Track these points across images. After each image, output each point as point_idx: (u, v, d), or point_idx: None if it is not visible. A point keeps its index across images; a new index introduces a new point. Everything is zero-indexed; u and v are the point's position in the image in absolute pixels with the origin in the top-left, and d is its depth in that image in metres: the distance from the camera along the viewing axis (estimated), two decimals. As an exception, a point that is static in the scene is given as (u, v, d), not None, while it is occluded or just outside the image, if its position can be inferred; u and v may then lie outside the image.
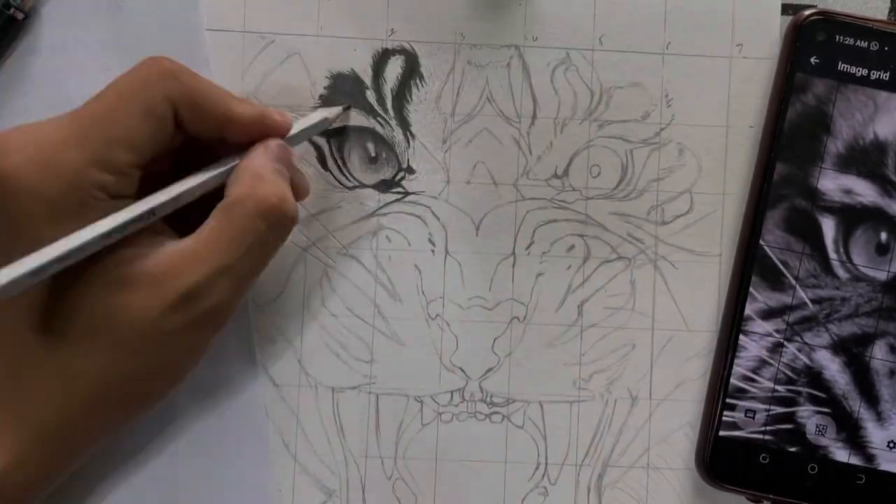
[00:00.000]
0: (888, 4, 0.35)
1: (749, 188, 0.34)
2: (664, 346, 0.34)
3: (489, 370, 0.34)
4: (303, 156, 0.34)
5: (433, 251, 0.34)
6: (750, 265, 0.33)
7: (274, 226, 0.29)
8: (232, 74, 0.34)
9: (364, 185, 0.34)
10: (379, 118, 0.34)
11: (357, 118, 0.34)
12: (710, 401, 0.33)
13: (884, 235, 0.33)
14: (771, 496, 0.33)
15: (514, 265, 0.34)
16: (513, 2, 0.35)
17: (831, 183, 0.33)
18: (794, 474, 0.33)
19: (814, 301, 0.33)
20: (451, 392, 0.34)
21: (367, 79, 0.34)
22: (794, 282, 0.33)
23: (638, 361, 0.34)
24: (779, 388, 0.33)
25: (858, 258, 0.33)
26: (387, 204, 0.34)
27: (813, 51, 0.33)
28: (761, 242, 0.33)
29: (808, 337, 0.33)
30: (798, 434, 0.33)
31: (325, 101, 0.34)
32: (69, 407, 0.27)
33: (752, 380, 0.33)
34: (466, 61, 0.35)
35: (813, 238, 0.33)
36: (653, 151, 0.35)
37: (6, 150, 0.27)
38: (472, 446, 0.34)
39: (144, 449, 0.33)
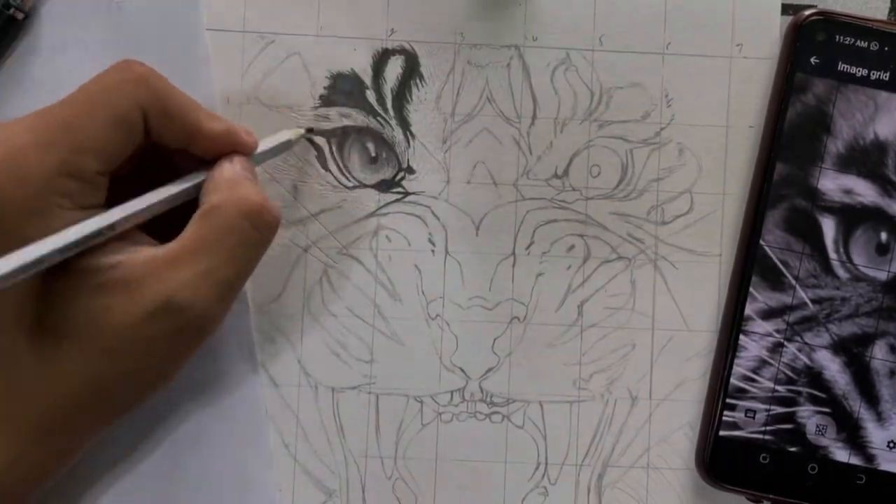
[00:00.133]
0: (888, 4, 0.35)
1: (749, 188, 0.34)
2: (664, 346, 0.34)
3: (489, 370, 0.34)
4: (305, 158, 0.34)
5: (433, 251, 0.34)
6: (750, 265, 0.33)
7: (258, 225, 0.28)
8: (232, 74, 0.34)
9: (364, 185, 0.34)
10: (379, 118, 0.34)
11: (357, 118, 0.34)
12: (710, 401, 0.33)
13: (884, 235, 0.33)
14: (771, 496, 0.33)
15: (514, 265, 0.34)
16: (513, 2, 0.35)
17: (831, 183, 0.33)
18: (794, 474, 0.33)
19: (814, 301, 0.33)
20: (451, 392, 0.34)
21: (367, 79, 0.34)
22: (794, 282, 0.33)
23: (638, 361, 0.34)
24: (779, 388, 0.33)
25: (858, 258, 0.33)
26: (387, 204, 0.34)
27: (813, 51, 0.33)
28: (761, 242, 0.33)
29: (809, 337, 0.33)
30: (798, 434, 0.33)
31: (325, 101, 0.34)
32: (54, 408, 0.27)
33: (753, 380, 0.33)
34: (466, 61, 0.35)
35: (813, 238, 0.33)
36: (653, 151, 0.35)
37: None
38: (472, 446, 0.34)
39: (144, 448, 0.33)
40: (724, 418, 0.33)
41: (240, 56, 0.34)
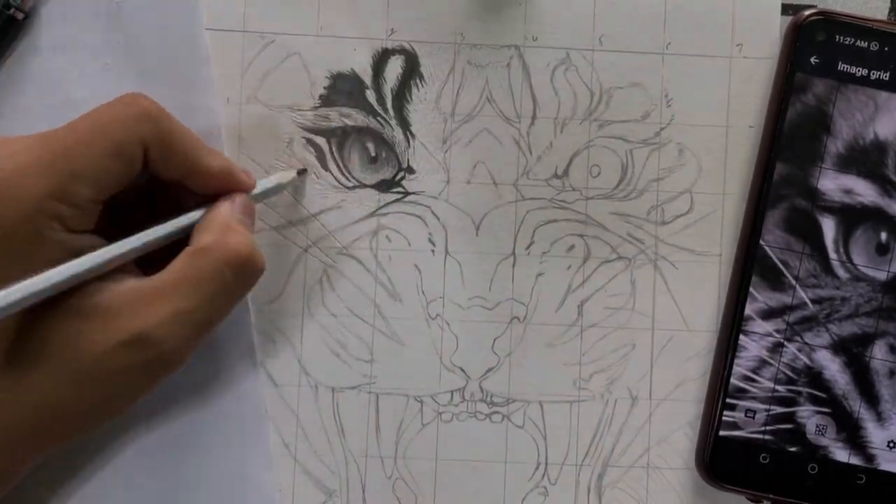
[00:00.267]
0: (888, 4, 0.35)
1: (749, 188, 0.34)
2: (664, 346, 0.34)
3: (489, 370, 0.34)
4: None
5: (433, 251, 0.34)
6: (750, 265, 0.33)
7: (239, 276, 0.29)
8: (232, 74, 0.34)
9: (364, 185, 0.34)
10: (379, 118, 0.34)
11: (357, 118, 0.34)
12: (710, 401, 0.33)
13: (884, 235, 0.33)
14: (771, 496, 0.33)
15: (514, 265, 0.34)
16: (513, 2, 0.35)
17: (831, 183, 0.33)
18: (794, 474, 0.33)
19: (814, 301, 0.33)
20: (451, 392, 0.34)
21: (367, 79, 0.34)
22: (794, 282, 0.33)
23: (638, 361, 0.34)
24: (779, 387, 0.33)
25: (858, 258, 0.33)
26: (387, 204, 0.34)
27: (813, 51, 0.33)
28: (761, 242, 0.33)
29: (809, 337, 0.33)
30: (798, 434, 0.33)
31: (325, 101, 0.34)
32: (14, 429, 0.27)
33: (752, 380, 0.33)
34: (466, 61, 0.35)
35: (813, 238, 0.33)
36: (653, 151, 0.35)
37: None
38: (472, 446, 0.34)
39: (144, 448, 0.33)
40: (724, 418, 0.33)
41: (240, 56, 0.34)
